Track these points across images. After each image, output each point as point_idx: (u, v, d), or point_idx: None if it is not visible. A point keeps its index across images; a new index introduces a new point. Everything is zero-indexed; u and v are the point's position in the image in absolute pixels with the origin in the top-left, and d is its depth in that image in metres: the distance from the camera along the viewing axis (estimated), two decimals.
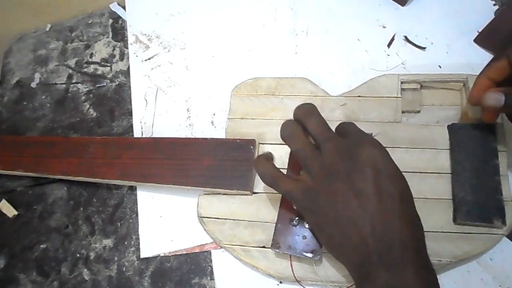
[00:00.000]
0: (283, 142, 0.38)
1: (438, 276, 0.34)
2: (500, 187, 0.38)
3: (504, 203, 0.38)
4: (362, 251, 0.32)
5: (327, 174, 0.34)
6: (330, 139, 0.35)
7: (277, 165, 0.43)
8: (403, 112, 0.44)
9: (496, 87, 0.37)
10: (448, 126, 0.42)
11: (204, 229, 0.43)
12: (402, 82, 0.45)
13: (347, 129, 0.37)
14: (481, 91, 0.37)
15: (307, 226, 0.38)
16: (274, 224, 0.40)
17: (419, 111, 0.44)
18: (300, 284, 0.39)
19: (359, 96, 0.45)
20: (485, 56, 0.47)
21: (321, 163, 0.35)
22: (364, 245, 0.32)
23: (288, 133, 0.37)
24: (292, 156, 0.42)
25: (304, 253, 0.38)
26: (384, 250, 0.31)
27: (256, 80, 0.48)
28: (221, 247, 0.42)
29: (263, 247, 0.40)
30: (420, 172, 0.41)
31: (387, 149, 0.41)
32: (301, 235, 0.38)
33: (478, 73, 0.38)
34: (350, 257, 0.33)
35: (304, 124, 0.37)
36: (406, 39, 0.50)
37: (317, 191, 0.34)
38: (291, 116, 0.45)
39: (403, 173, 0.34)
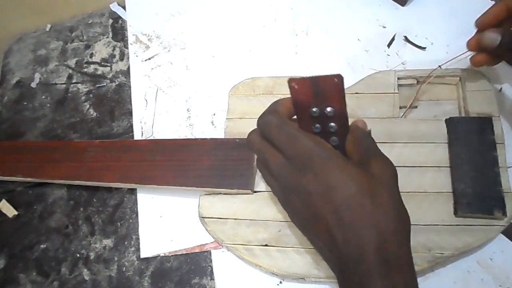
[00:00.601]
0: None
1: (438, 274, 0.33)
2: (499, 179, 0.39)
3: (503, 194, 0.38)
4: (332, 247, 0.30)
5: (291, 183, 0.32)
6: (294, 145, 0.32)
7: None
8: (400, 107, 0.44)
9: (508, 18, 0.37)
10: (446, 120, 0.42)
11: (206, 229, 0.43)
12: (398, 78, 0.45)
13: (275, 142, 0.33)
14: (494, 16, 0.37)
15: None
16: (276, 222, 0.41)
17: (416, 107, 0.45)
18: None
19: (356, 93, 0.45)
20: None
21: (286, 171, 0.32)
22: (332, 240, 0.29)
23: (251, 143, 0.35)
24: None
25: None
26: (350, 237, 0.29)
27: (253, 79, 0.48)
28: (223, 247, 0.42)
29: (266, 245, 0.40)
30: (420, 166, 0.41)
31: (386, 144, 0.42)
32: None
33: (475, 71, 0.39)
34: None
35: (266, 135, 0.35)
36: (406, 39, 0.50)
37: (284, 193, 0.33)
38: None
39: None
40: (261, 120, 0.34)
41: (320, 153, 0.31)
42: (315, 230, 0.31)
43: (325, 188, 0.30)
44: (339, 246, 0.29)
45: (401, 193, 0.39)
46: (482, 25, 0.39)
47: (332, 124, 0.34)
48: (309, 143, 0.31)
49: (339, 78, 0.32)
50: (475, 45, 0.40)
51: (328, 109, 0.33)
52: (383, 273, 0.28)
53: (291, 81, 0.33)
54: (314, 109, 0.33)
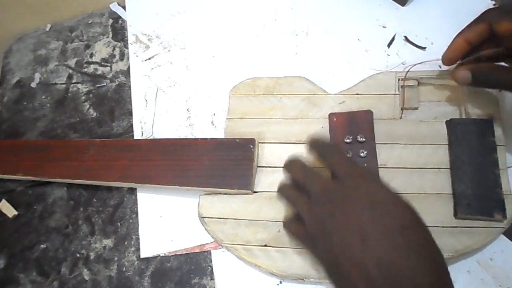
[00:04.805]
0: (282, 141, 0.39)
1: None
2: (500, 181, 0.39)
3: (503, 196, 0.38)
4: None
5: (319, 216, 0.32)
6: (315, 182, 0.34)
7: (277, 164, 0.43)
8: (401, 109, 0.44)
9: (471, 50, 0.39)
10: (446, 122, 0.42)
11: (206, 229, 0.43)
12: (399, 79, 0.45)
13: (329, 161, 0.35)
14: (456, 51, 0.39)
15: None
16: (275, 223, 0.41)
17: (417, 108, 0.45)
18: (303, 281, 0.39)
19: (357, 94, 0.45)
20: None
21: (310, 207, 0.33)
22: None
23: (280, 191, 0.38)
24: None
25: None
26: None
27: (254, 80, 0.48)
28: (223, 247, 0.42)
29: (265, 245, 0.40)
30: (420, 168, 0.41)
31: (386, 145, 0.42)
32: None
33: None
34: None
35: (291, 177, 0.37)
36: (406, 39, 0.50)
37: (313, 235, 0.33)
38: (289, 115, 0.46)
39: (406, 197, 0.31)
40: (292, 158, 0.37)
41: (372, 173, 0.34)
42: (349, 254, 0.30)
43: (377, 204, 0.30)
44: (384, 271, 0.28)
45: (401, 195, 0.39)
46: (449, 62, 0.41)
47: (363, 150, 0.41)
48: (359, 165, 0.35)
49: (370, 112, 0.43)
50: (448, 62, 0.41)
51: (359, 137, 0.42)
52: None
53: (332, 115, 0.44)
54: (347, 137, 0.42)
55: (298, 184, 0.36)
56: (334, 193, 0.32)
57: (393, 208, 0.30)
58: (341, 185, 0.32)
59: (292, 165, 0.37)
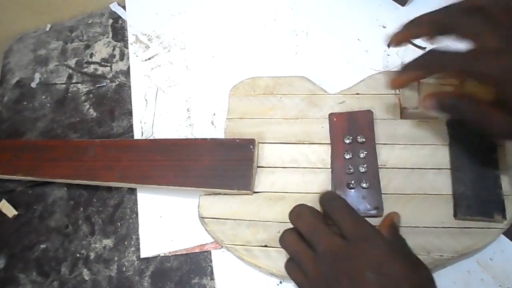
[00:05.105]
0: (282, 141, 0.38)
1: (438, 274, 0.33)
2: (500, 182, 0.39)
3: (504, 197, 0.38)
4: None
5: (324, 276, 0.32)
6: (322, 239, 0.33)
7: (277, 165, 0.43)
8: (403, 108, 0.44)
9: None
10: (447, 122, 0.42)
11: (206, 229, 0.43)
12: None
13: (335, 218, 0.34)
14: (405, 83, 0.37)
15: (364, 185, 0.40)
16: (276, 223, 0.40)
17: (417, 108, 0.45)
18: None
19: (357, 94, 0.45)
20: None
21: (314, 264, 0.33)
22: None
23: (283, 242, 0.36)
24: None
25: (369, 212, 0.39)
26: None
27: (254, 79, 0.48)
28: (223, 247, 0.42)
29: (265, 246, 0.40)
30: (420, 168, 0.41)
31: (386, 146, 0.42)
32: (360, 196, 0.40)
33: None
34: None
35: (297, 228, 0.36)
36: None
37: None
38: (290, 115, 0.46)
39: (417, 258, 0.32)
40: (299, 209, 0.36)
41: (379, 233, 0.33)
42: None
43: (384, 274, 0.30)
44: None
45: (401, 195, 0.39)
46: (394, 87, 0.38)
47: (363, 150, 0.41)
48: (365, 222, 0.33)
49: (370, 112, 0.43)
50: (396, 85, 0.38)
51: (359, 137, 0.42)
52: None
53: (332, 115, 0.44)
54: (347, 137, 0.42)
55: (302, 235, 0.35)
56: (341, 256, 0.32)
57: (400, 277, 0.30)
58: (348, 246, 0.32)
59: (298, 217, 0.36)
